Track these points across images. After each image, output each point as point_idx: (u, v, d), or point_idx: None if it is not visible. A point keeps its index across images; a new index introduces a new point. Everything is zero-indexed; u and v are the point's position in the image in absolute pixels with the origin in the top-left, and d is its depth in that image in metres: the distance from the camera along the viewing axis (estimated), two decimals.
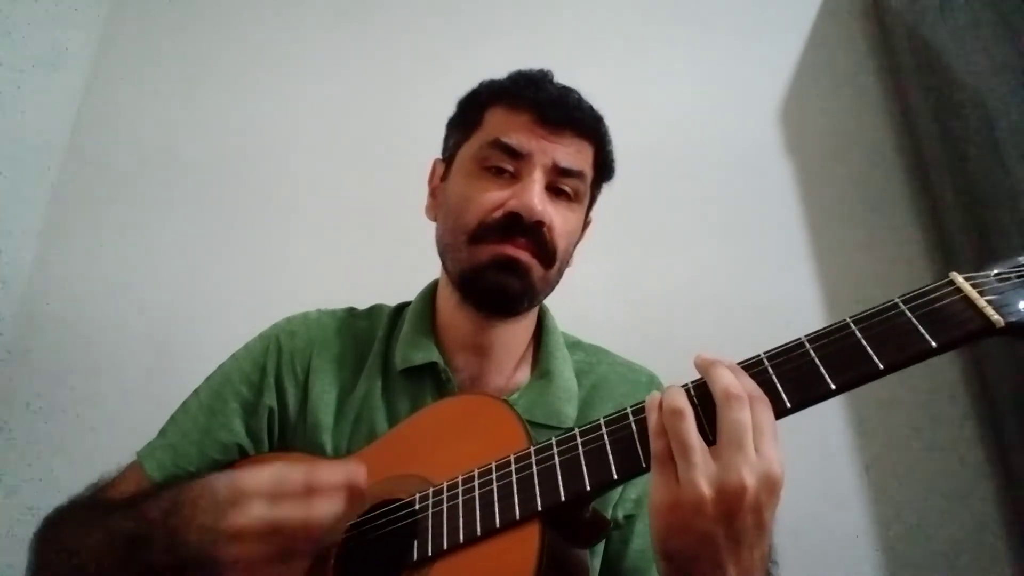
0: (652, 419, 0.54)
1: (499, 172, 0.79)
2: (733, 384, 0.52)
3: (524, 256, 0.77)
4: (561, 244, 0.81)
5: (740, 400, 0.51)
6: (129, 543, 0.63)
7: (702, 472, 0.50)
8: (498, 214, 0.77)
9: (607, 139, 0.87)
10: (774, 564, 0.55)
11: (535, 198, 0.76)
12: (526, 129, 0.79)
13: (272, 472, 0.60)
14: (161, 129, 1.62)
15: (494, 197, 0.78)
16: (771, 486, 0.50)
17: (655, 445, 0.53)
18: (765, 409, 0.52)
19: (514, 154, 0.79)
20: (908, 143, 1.52)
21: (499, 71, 0.89)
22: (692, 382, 0.57)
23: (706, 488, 0.49)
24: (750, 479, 0.49)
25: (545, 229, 0.78)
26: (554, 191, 0.80)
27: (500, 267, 0.77)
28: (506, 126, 0.80)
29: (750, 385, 0.53)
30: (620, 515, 0.80)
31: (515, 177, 0.79)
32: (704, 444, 0.51)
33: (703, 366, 0.56)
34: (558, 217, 0.79)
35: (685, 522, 0.50)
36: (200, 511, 0.60)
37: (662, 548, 0.52)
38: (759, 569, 0.52)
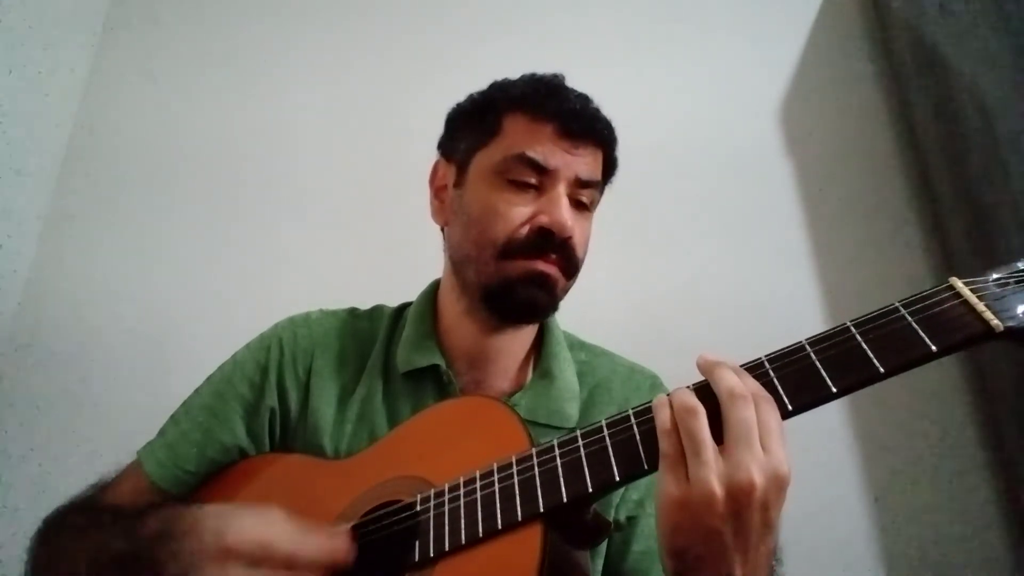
0: (662, 417, 0.54)
1: (523, 185, 0.79)
2: (737, 384, 0.53)
3: (554, 271, 0.79)
4: (582, 254, 0.83)
5: (745, 399, 0.51)
6: (120, 559, 0.64)
7: (713, 470, 0.50)
8: (526, 230, 0.78)
9: (616, 143, 0.88)
10: (778, 562, 0.56)
11: (565, 214, 0.77)
12: (550, 142, 0.79)
13: (259, 534, 0.60)
14: (161, 129, 1.61)
15: (522, 212, 0.78)
16: (779, 484, 0.50)
17: (665, 443, 0.53)
18: (771, 408, 0.52)
19: (540, 169, 0.79)
20: (908, 143, 1.52)
21: (500, 71, 0.89)
22: (693, 384, 0.57)
23: (717, 486, 0.49)
24: (759, 477, 0.49)
25: (571, 243, 0.79)
26: (574, 203, 0.81)
27: (530, 282, 0.78)
28: (530, 138, 0.80)
29: (754, 385, 0.53)
30: (622, 516, 0.80)
31: (538, 190, 0.79)
32: (714, 443, 0.52)
33: (706, 367, 0.56)
34: (578, 228, 0.80)
35: (694, 520, 0.50)
36: (185, 550, 0.60)
37: (669, 546, 0.52)
38: (764, 567, 0.52)
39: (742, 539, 0.50)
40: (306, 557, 0.59)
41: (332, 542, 0.61)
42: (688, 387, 0.57)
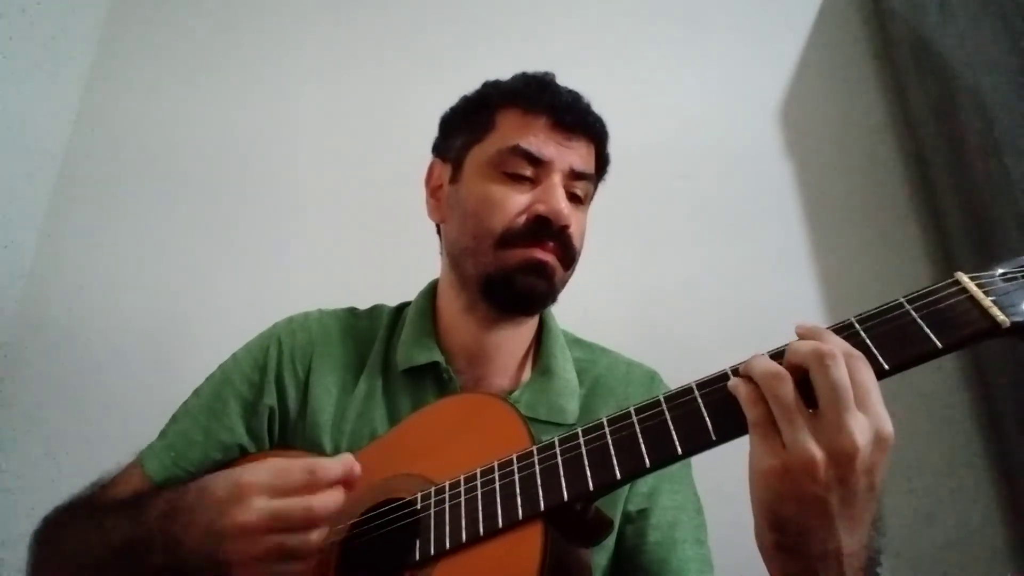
0: (743, 388, 0.51)
1: (518, 177, 0.80)
2: (823, 343, 0.50)
3: (551, 259, 0.79)
4: (578, 245, 0.83)
5: (834, 357, 0.48)
6: (128, 546, 0.64)
7: (810, 434, 0.47)
8: (523, 219, 0.78)
9: (608, 139, 0.88)
10: (880, 534, 0.52)
11: (562, 203, 0.78)
12: (543, 134, 0.80)
13: (271, 466, 0.61)
14: (161, 129, 1.61)
15: (519, 201, 0.79)
16: (882, 444, 0.48)
17: (752, 412, 0.50)
18: (865, 367, 0.49)
19: (534, 161, 0.80)
20: (908, 143, 1.52)
21: (500, 72, 0.89)
22: (769, 352, 0.54)
23: (816, 450, 0.47)
24: (862, 438, 0.47)
25: (568, 231, 0.79)
26: (569, 195, 0.81)
27: (529, 270, 0.78)
28: (523, 130, 0.80)
29: (844, 345, 0.51)
30: (632, 509, 0.80)
31: (533, 182, 0.80)
32: (806, 407, 0.49)
33: (802, 332, 0.53)
34: (574, 219, 0.81)
35: (796, 488, 0.48)
36: (200, 512, 0.60)
37: (771, 518, 0.50)
38: (868, 536, 0.50)
39: (848, 506, 0.48)
40: (322, 473, 0.60)
41: (343, 458, 0.63)
42: (764, 354, 0.54)
